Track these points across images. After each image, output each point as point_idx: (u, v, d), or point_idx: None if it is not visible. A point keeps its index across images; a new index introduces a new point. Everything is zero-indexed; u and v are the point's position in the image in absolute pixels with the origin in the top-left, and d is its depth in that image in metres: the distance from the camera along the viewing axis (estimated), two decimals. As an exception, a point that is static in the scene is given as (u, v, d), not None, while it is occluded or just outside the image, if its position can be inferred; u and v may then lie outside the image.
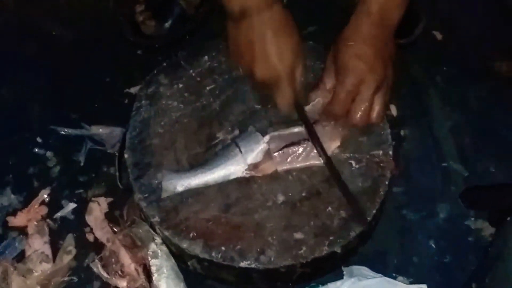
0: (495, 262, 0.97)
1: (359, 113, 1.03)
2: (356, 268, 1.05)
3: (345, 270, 1.05)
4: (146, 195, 1.05)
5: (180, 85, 1.17)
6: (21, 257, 1.10)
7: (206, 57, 1.20)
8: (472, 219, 1.14)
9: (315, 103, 1.08)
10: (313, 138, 1.05)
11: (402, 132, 1.23)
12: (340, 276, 1.04)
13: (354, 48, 1.02)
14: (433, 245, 1.12)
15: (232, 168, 1.05)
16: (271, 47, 1.00)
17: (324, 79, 1.08)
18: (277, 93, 1.04)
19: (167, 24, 1.34)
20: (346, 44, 1.03)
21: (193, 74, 1.18)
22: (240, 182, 1.06)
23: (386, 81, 1.04)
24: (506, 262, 0.95)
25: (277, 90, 1.03)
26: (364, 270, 1.05)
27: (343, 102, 1.03)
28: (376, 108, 1.05)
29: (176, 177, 1.04)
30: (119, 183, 1.13)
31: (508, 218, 0.96)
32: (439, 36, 1.36)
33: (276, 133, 1.07)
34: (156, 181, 1.06)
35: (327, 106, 1.07)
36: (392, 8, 1.04)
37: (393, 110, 1.25)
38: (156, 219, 1.03)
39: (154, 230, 1.05)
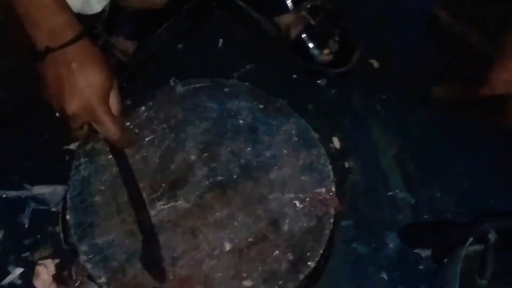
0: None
1: None
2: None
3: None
4: (91, 255, 1.03)
5: (119, 139, 1.15)
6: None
7: (143, 108, 1.18)
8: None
9: None
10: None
11: (346, 164, 1.23)
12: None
13: None
14: (385, 277, 1.12)
15: None
16: (78, 78, 0.99)
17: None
18: (97, 126, 1.05)
19: (103, 75, 1.31)
20: None
21: (131, 126, 1.16)
22: (185, 233, 1.05)
23: None
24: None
25: (95, 122, 1.05)
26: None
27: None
28: None
29: None
30: (63, 244, 1.12)
31: (445, 260, 0.97)
32: (376, 64, 1.36)
33: None
34: (100, 241, 1.04)
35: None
36: None
37: (336, 143, 1.25)
38: (103, 279, 1.01)
39: (103, 290, 1.03)
